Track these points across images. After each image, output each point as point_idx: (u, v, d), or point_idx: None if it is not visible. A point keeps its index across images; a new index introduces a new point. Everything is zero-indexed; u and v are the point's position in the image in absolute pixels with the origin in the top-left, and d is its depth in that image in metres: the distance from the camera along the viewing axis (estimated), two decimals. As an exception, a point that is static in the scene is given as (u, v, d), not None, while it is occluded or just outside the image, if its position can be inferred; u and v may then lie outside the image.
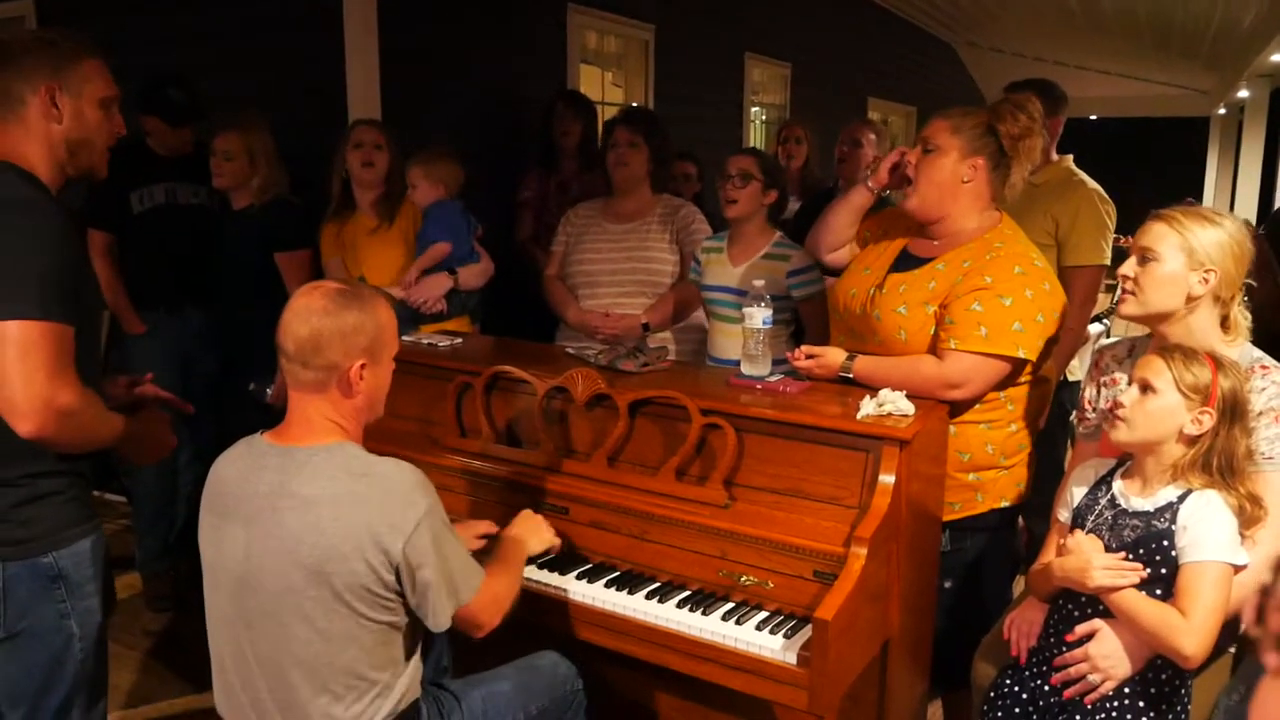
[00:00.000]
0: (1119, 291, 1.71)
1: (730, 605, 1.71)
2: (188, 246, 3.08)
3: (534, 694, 1.71)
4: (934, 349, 1.91)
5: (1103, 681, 1.53)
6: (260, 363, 2.33)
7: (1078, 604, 1.59)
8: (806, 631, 1.60)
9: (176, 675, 2.79)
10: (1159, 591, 1.50)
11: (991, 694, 1.68)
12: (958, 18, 8.52)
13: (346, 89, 3.24)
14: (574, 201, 3.13)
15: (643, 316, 2.76)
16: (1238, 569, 1.47)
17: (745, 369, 2.01)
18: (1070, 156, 2.81)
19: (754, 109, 6.22)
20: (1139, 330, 1.76)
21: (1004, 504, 2.02)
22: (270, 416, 1.53)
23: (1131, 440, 1.54)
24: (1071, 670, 1.56)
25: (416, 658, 1.55)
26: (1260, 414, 1.56)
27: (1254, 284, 1.69)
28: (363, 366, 1.45)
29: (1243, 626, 1.55)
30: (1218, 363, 1.52)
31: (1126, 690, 1.53)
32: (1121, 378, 1.74)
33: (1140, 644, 1.50)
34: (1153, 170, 13.80)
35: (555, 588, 1.79)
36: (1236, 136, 10.93)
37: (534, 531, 1.81)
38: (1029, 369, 1.95)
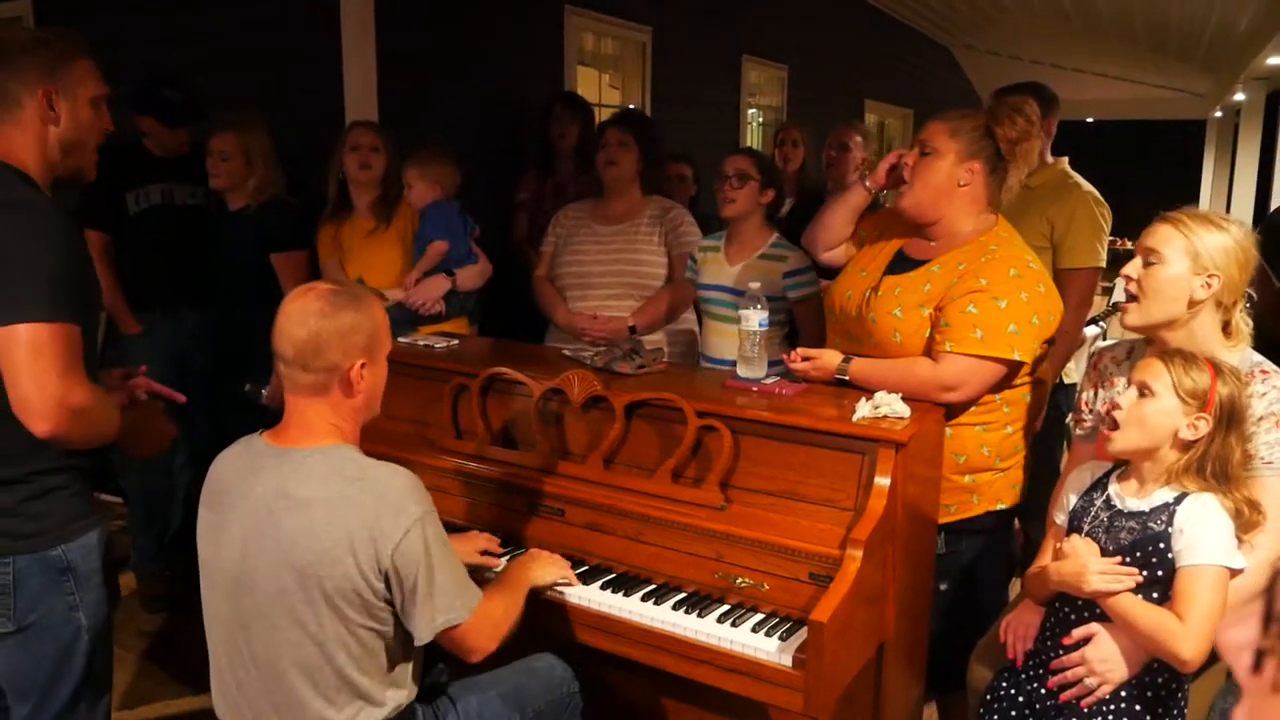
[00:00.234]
0: (1118, 295, 1.71)
1: (726, 607, 1.71)
2: (184, 247, 3.08)
3: (530, 697, 1.71)
4: (929, 351, 1.91)
5: (1099, 685, 1.53)
6: (256, 364, 2.33)
7: (1074, 607, 1.59)
8: (802, 634, 1.59)
9: (173, 676, 2.79)
10: (1155, 594, 1.50)
11: (988, 697, 1.68)
12: (955, 20, 8.54)
13: (344, 90, 3.23)
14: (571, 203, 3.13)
15: (630, 319, 2.75)
16: (1234, 573, 1.47)
17: (741, 371, 2.01)
18: (1065, 159, 2.82)
19: (751, 111, 6.23)
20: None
21: (1000, 506, 2.02)
22: (266, 417, 1.53)
23: (1126, 447, 1.54)
24: (1068, 674, 1.56)
25: (411, 670, 1.54)
26: (1261, 419, 1.57)
27: (1254, 295, 1.69)
28: (362, 366, 1.45)
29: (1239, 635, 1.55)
30: (1217, 369, 1.52)
31: (1123, 694, 1.53)
32: (1120, 380, 1.74)
33: (1137, 648, 1.50)
34: (1149, 173, 13.82)
35: (552, 590, 1.79)
36: (1233, 140, 10.95)
37: (543, 563, 1.76)
38: (1025, 371, 1.95)
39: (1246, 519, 1.51)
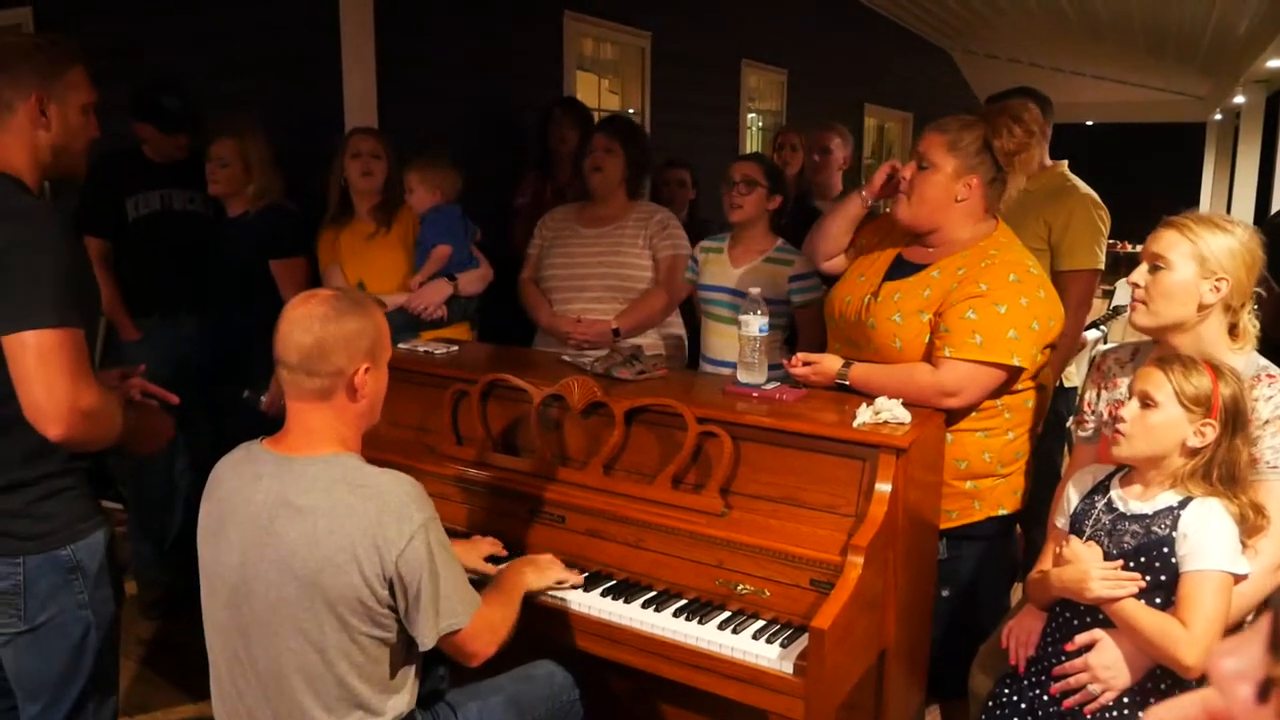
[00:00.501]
0: (1119, 299, 1.71)
1: (727, 614, 1.70)
2: (183, 253, 3.07)
3: (531, 704, 1.70)
4: (929, 357, 1.91)
5: (1103, 691, 1.52)
6: (255, 370, 2.32)
7: (1076, 613, 1.58)
8: (803, 640, 1.59)
9: (173, 682, 2.78)
10: (1158, 600, 1.49)
11: (990, 703, 1.68)
12: (953, 24, 8.55)
13: (343, 95, 3.23)
14: None
15: (613, 322, 2.75)
16: (1238, 578, 1.46)
17: (741, 377, 2.01)
18: (1065, 163, 2.81)
19: (750, 115, 6.23)
20: (1138, 335, 1.76)
21: (1002, 512, 2.02)
22: (266, 423, 1.52)
23: (1133, 455, 1.53)
24: (1071, 680, 1.55)
25: (412, 677, 1.54)
26: (1267, 423, 1.56)
27: (1264, 293, 1.68)
28: (366, 370, 1.46)
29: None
30: (1217, 370, 1.51)
31: (1126, 700, 1.52)
32: (1123, 382, 1.74)
33: (1140, 654, 1.50)
34: (1148, 176, 13.83)
35: (552, 596, 1.78)
36: (1233, 142, 10.96)
37: (538, 568, 1.76)
38: (1026, 377, 1.95)
39: (1251, 523, 1.50)
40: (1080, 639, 1.55)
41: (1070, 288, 2.55)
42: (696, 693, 1.69)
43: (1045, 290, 1.92)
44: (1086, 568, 1.52)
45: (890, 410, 1.75)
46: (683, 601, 1.75)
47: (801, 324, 2.59)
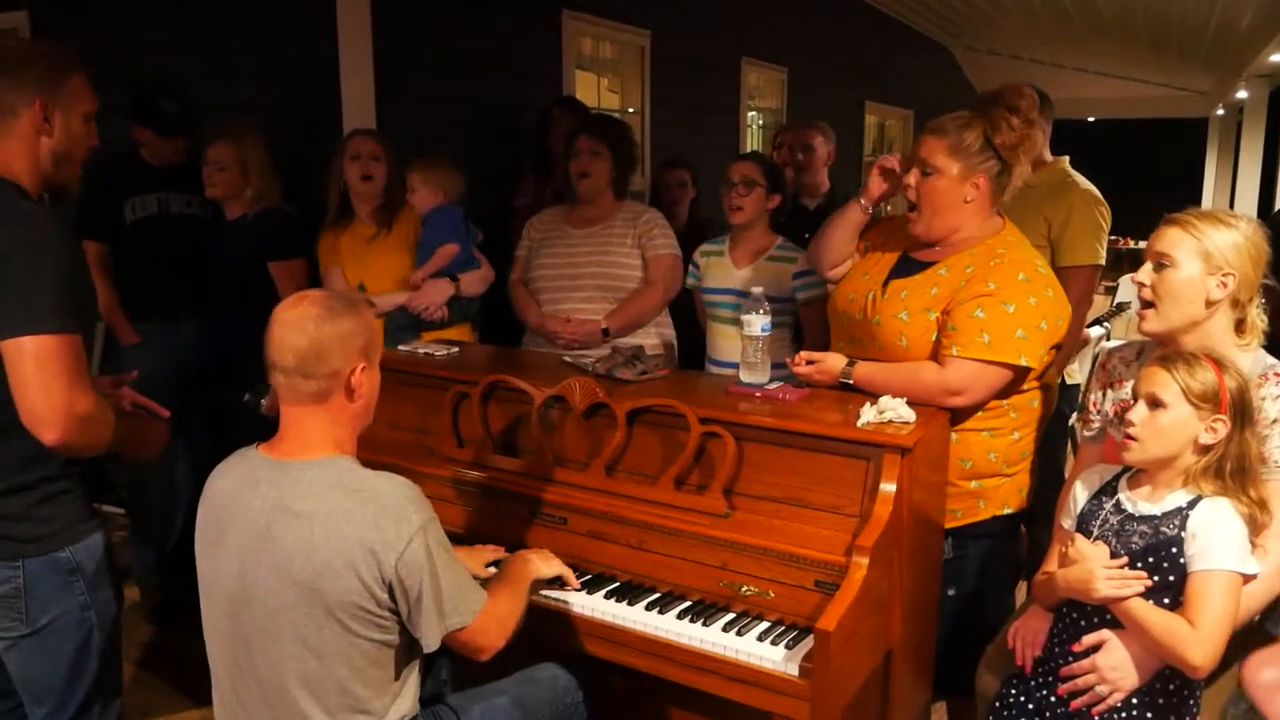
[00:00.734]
0: (1122, 296, 1.69)
1: (731, 616, 1.69)
2: (181, 257, 3.06)
3: (534, 707, 1.69)
4: (935, 355, 1.89)
5: (1110, 693, 1.50)
6: (255, 373, 2.30)
7: (1083, 613, 1.57)
8: (808, 642, 1.58)
9: (175, 688, 2.77)
10: (1166, 600, 1.48)
11: (997, 704, 1.66)
12: (955, 20, 8.53)
13: (341, 97, 3.22)
14: None
15: (603, 322, 2.74)
16: (1247, 578, 1.45)
17: (744, 376, 2.00)
18: (1066, 158, 2.80)
19: (750, 114, 6.21)
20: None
21: (1007, 511, 2.00)
22: (266, 427, 1.51)
23: (1146, 459, 1.52)
24: (1079, 681, 1.53)
25: (414, 679, 1.53)
26: (1275, 421, 1.55)
27: (1274, 284, 1.67)
28: (362, 369, 1.46)
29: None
30: (1219, 364, 1.50)
31: (1134, 701, 1.51)
32: (1129, 382, 1.72)
33: (1149, 655, 1.48)
34: (1151, 171, 13.81)
35: (555, 599, 1.77)
36: (1235, 137, 10.93)
37: (542, 555, 1.77)
38: (1032, 376, 1.93)
39: (1259, 522, 1.49)
40: (1088, 640, 1.53)
41: (1070, 284, 2.53)
42: (701, 695, 1.67)
43: (1054, 290, 1.90)
44: (1092, 567, 1.50)
45: (895, 409, 1.74)
46: (687, 603, 1.74)
47: (807, 321, 2.58)
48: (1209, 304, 1.59)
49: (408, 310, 2.79)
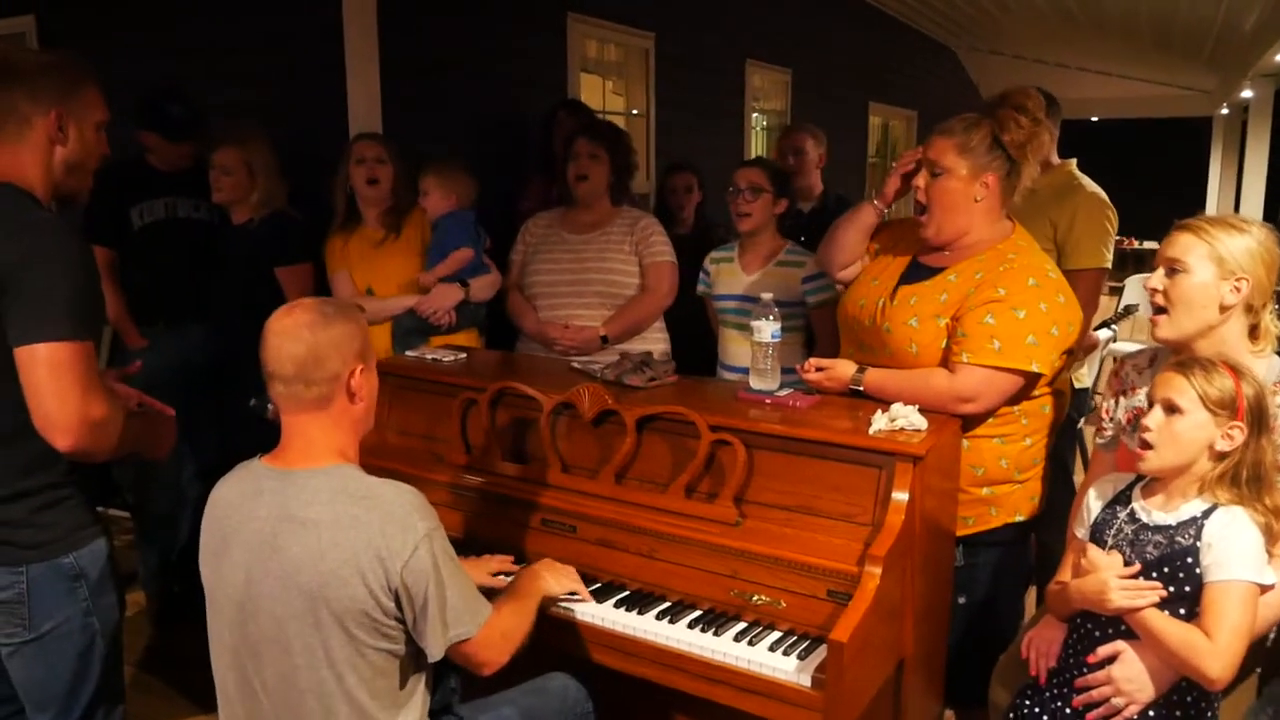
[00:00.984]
0: (1128, 298, 1.68)
1: (742, 625, 1.68)
2: (188, 261, 3.06)
3: (543, 717, 1.68)
4: (945, 362, 1.88)
5: (1126, 705, 1.49)
6: (261, 378, 2.31)
7: (1098, 623, 1.56)
8: (820, 652, 1.57)
9: (181, 693, 2.76)
10: (1182, 610, 1.47)
11: (1010, 715, 1.65)
12: (958, 21, 8.50)
13: (347, 100, 3.22)
14: None
15: (601, 329, 2.73)
16: (1264, 589, 1.43)
17: (754, 383, 1.99)
18: (1074, 161, 2.78)
19: (755, 115, 6.20)
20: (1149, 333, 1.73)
21: (1018, 518, 1.99)
22: (272, 432, 1.51)
23: (1161, 466, 1.50)
24: (1094, 693, 1.52)
25: (421, 690, 1.52)
26: None
27: None
28: (361, 371, 1.47)
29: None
30: (1236, 371, 1.49)
31: (1151, 713, 1.50)
32: (1142, 389, 1.71)
33: (1165, 666, 1.47)
34: (1154, 171, 13.77)
35: (564, 608, 1.76)
36: (1240, 136, 10.89)
37: (554, 571, 1.75)
38: (1044, 383, 1.92)
39: (1275, 531, 1.47)
40: (1103, 651, 1.52)
41: (1076, 287, 2.51)
42: (712, 706, 1.66)
43: (1065, 295, 1.89)
44: (1106, 577, 1.49)
45: (906, 417, 1.73)
46: (697, 613, 1.73)
47: (817, 324, 2.57)
48: (1222, 309, 1.58)
49: (416, 314, 2.78)
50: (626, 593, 1.80)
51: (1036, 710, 1.61)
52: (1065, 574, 1.64)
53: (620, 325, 2.75)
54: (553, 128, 3.52)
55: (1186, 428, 1.47)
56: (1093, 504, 1.64)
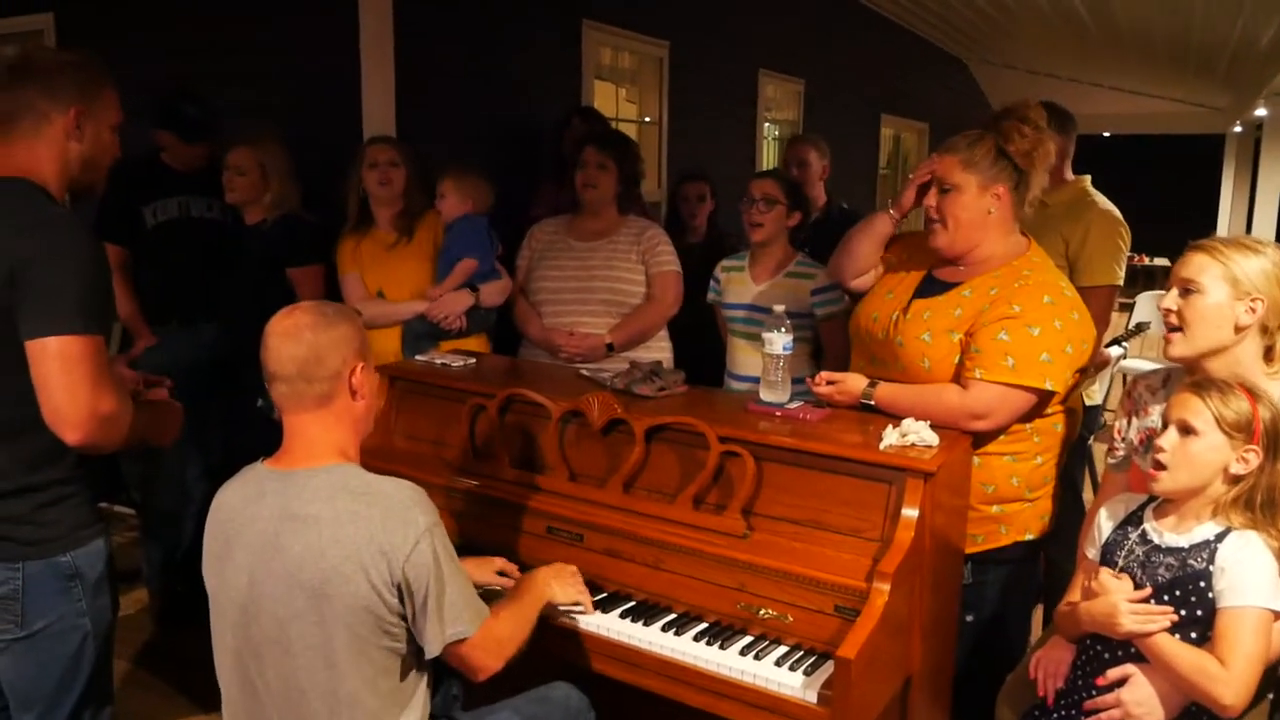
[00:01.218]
0: (1139, 315, 1.67)
1: (749, 639, 1.67)
2: (200, 261, 3.07)
3: (546, 728, 1.67)
4: (958, 378, 1.87)
5: (1136, 729, 1.48)
6: (270, 380, 2.31)
7: (1107, 645, 1.54)
8: (827, 668, 1.55)
9: (183, 692, 2.76)
10: (1194, 635, 1.45)
11: (1017, 735, 1.64)
12: (971, 34, 8.50)
13: (362, 105, 3.23)
14: None
15: (608, 336, 2.72)
16: (1278, 615, 1.42)
17: (764, 395, 1.98)
18: (1088, 178, 2.77)
19: (767, 125, 6.20)
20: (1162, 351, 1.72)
21: (1028, 537, 1.98)
22: (278, 432, 1.51)
23: (1175, 488, 1.49)
24: (1103, 716, 1.51)
25: (423, 691, 1.52)
26: None
27: None
28: (361, 368, 1.48)
29: None
30: (1253, 393, 1.48)
31: (1161, 738, 1.48)
32: (1155, 410, 1.70)
33: (1175, 691, 1.46)
34: (1166, 188, 13.73)
35: (568, 617, 1.75)
36: (1254, 154, 10.85)
37: (561, 579, 1.74)
38: (1056, 400, 1.91)
39: (1289, 556, 1.46)
40: (1112, 674, 1.51)
41: (1088, 304, 2.50)
42: (715, 719, 1.65)
43: (1079, 312, 1.88)
44: (1116, 601, 1.48)
45: (917, 432, 1.72)
46: (704, 625, 1.72)
47: (826, 338, 2.57)
48: (1237, 329, 1.57)
49: (426, 319, 2.78)
50: (632, 603, 1.79)
51: (1044, 731, 1.60)
52: (1075, 595, 1.63)
53: (626, 333, 2.75)
54: (566, 135, 3.52)
55: (1201, 449, 1.46)
56: (1104, 524, 1.63)
